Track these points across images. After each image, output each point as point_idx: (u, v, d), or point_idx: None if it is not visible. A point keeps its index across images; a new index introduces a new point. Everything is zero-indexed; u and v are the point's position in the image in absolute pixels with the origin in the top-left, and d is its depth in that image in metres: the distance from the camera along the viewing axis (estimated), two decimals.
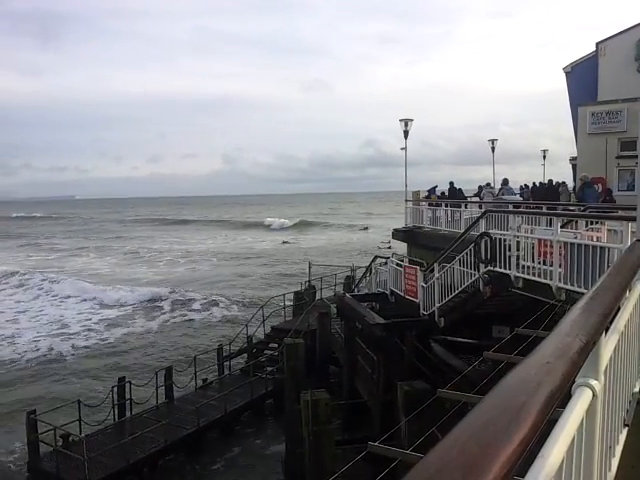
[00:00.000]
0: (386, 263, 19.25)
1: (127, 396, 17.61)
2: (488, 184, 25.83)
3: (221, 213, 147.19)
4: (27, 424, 15.02)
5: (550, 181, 25.24)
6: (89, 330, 30.89)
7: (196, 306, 35.68)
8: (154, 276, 49.10)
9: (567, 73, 26.07)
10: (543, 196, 21.67)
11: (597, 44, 24.66)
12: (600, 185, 19.80)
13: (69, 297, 38.85)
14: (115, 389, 17.38)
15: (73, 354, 26.70)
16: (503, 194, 23.36)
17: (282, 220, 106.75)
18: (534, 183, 26.47)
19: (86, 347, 27.81)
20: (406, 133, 24.34)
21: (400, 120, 24.54)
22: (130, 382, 17.89)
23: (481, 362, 10.45)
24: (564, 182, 24.72)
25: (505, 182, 24.67)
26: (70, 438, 15.09)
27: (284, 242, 76.26)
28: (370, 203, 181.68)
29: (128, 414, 17.45)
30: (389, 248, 21.58)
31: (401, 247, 26.69)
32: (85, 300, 37.86)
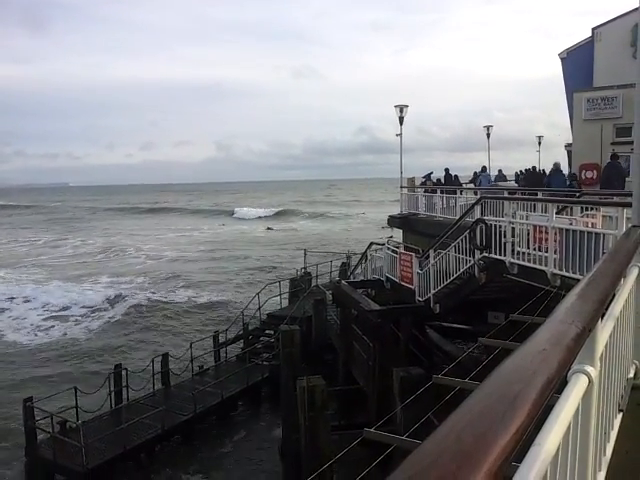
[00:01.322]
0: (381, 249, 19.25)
1: (124, 383, 17.65)
2: (484, 168, 25.70)
3: (208, 201, 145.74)
4: (24, 411, 15.04)
5: (534, 167, 25.31)
6: (83, 317, 30.91)
7: (188, 294, 35.65)
8: (140, 266, 48.26)
9: (562, 59, 25.91)
10: (529, 183, 21.80)
11: (593, 29, 24.51)
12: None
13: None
14: (111, 376, 17.40)
15: (69, 340, 26.74)
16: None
17: (267, 209, 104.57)
18: (528, 169, 26.45)
19: (79, 335, 27.87)
20: (401, 119, 24.20)
21: (395, 106, 24.41)
22: (126, 369, 17.92)
23: (476, 348, 10.50)
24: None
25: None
26: (67, 425, 15.15)
27: (268, 228, 76.75)
28: (363, 190, 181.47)
29: (125, 401, 17.50)
30: (391, 237, 21.44)
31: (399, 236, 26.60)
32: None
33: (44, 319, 30.60)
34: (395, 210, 25.63)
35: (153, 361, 18.59)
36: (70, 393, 16.08)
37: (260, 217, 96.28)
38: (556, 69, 26.24)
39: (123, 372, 17.73)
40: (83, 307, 32.90)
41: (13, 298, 35.22)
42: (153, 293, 35.86)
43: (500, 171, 27.14)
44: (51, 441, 14.49)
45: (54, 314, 31.51)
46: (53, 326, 29.33)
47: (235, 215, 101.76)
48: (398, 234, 25.54)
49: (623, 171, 16.78)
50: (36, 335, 28.21)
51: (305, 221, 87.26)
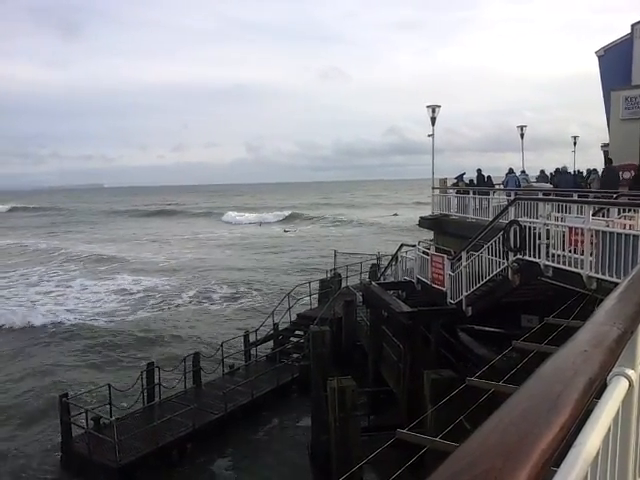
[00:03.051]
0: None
1: (156, 381, 17.93)
2: (511, 169, 25.28)
3: (227, 202, 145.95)
4: (60, 407, 15.43)
5: (557, 169, 24.90)
6: (115, 314, 31.51)
7: (220, 294, 36.03)
8: (168, 266, 48.88)
9: (600, 57, 25.39)
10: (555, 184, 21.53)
11: (632, 26, 23.96)
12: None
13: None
14: (144, 374, 17.70)
15: (100, 338, 27.27)
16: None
17: (287, 211, 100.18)
18: (542, 171, 26.05)
19: (113, 329, 28.44)
20: (433, 120, 23.97)
21: (427, 106, 24.19)
22: (159, 367, 18.20)
23: (510, 351, 10.35)
24: (595, 169, 24.22)
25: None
26: (101, 421, 15.48)
27: (285, 231, 76.53)
28: (393, 191, 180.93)
29: (157, 399, 17.78)
30: (432, 240, 21.28)
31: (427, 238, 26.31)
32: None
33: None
34: (423, 212, 25.45)
35: (185, 360, 18.84)
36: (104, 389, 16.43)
37: (251, 223, 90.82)
38: (590, 67, 25.80)
39: (155, 370, 18.03)
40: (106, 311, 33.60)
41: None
42: (180, 294, 36.44)
43: (542, 171, 26.57)
44: (86, 437, 14.84)
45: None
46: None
47: (223, 218, 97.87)
48: (427, 236, 25.36)
49: (618, 176, 16.76)
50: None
51: (309, 227, 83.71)
